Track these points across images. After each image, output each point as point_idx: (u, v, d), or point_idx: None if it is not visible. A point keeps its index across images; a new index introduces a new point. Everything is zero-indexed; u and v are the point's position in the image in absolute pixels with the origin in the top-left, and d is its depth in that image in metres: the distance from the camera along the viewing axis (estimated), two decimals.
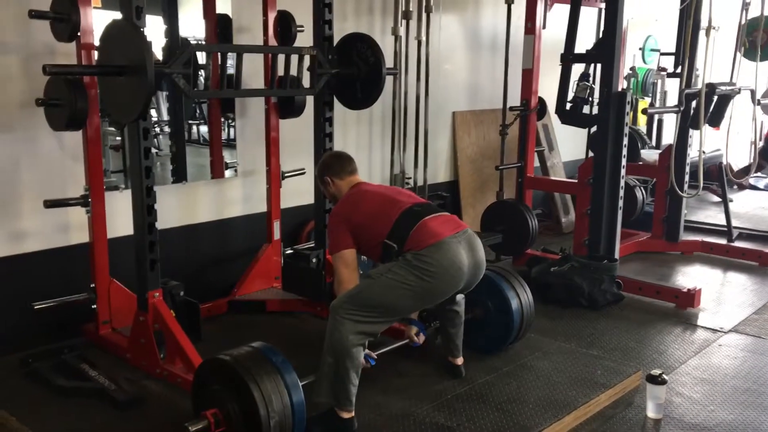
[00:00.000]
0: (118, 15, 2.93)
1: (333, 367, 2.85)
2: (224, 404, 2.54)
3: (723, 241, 5.97)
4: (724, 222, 6.25)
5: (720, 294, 4.92)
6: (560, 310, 4.42)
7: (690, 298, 4.51)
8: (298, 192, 4.48)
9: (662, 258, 5.72)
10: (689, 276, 5.31)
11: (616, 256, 4.78)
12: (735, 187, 8.39)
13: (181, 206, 4.27)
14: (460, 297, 3.29)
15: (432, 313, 3.44)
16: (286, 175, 4.30)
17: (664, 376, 3.11)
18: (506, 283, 3.58)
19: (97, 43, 3.16)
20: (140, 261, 3.27)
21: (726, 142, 5.81)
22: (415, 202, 3.12)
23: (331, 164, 3.32)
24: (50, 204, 3.38)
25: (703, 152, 5.41)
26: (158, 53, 4.10)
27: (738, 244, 5.92)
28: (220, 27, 4.30)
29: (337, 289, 3.08)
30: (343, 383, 2.83)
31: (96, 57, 3.24)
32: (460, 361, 3.41)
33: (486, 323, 3.58)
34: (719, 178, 6.58)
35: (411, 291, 2.86)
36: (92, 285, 3.58)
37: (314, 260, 4.02)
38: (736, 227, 6.23)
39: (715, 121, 5.57)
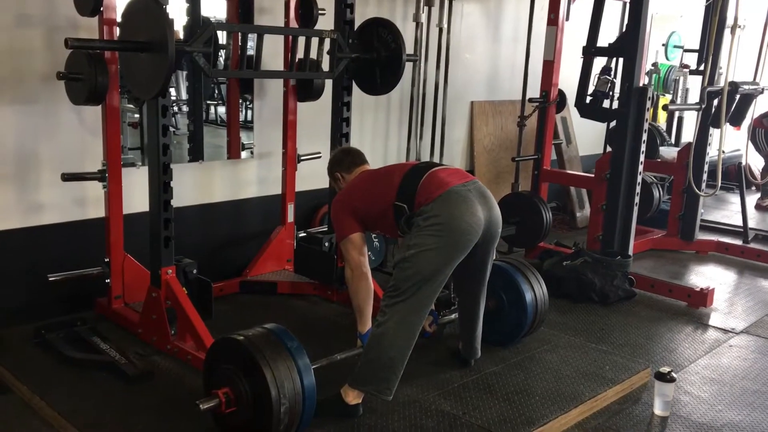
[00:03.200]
0: None
1: (386, 355, 2.84)
2: (236, 384, 2.55)
3: (739, 242, 5.92)
4: (740, 223, 6.20)
5: (733, 295, 4.89)
6: (571, 305, 4.41)
7: (703, 297, 4.48)
8: (313, 175, 4.48)
9: (676, 256, 5.68)
10: (703, 275, 5.28)
11: (630, 252, 4.76)
12: (753, 188, 8.31)
13: (196, 185, 4.29)
14: (481, 306, 3.29)
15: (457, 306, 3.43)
16: (302, 158, 4.30)
17: (673, 374, 3.10)
18: (521, 275, 3.56)
19: (119, 18, 3.17)
20: (155, 238, 3.29)
21: (746, 142, 5.74)
22: (418, 162, 3.10)
23: (341, 160, 3.35)
24: (68, 177, 3.41)
25: (723, 151, 5.37)
26: (180, 32, 4.11)
27: (754, 245, 5.87)
28: (241, 7, 4.29)
29: (349, 275, 3.09)
30: (394, 370, 2.84)
31: (118, 32, 3.27)
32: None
33: (499, 316, 3.56)
34: (738, 179, 6.51)
35: (436, 252, 2.80)
36: (106, 259, 3.61)
37: (326, 244, 4.03)
38: (752, 228, 6.18)
39: (736, 120, 5.51)
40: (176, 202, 3.31)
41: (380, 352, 2.83)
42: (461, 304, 3.35)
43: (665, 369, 3.11)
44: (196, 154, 4.40)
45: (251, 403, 2.53)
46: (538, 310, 3.57)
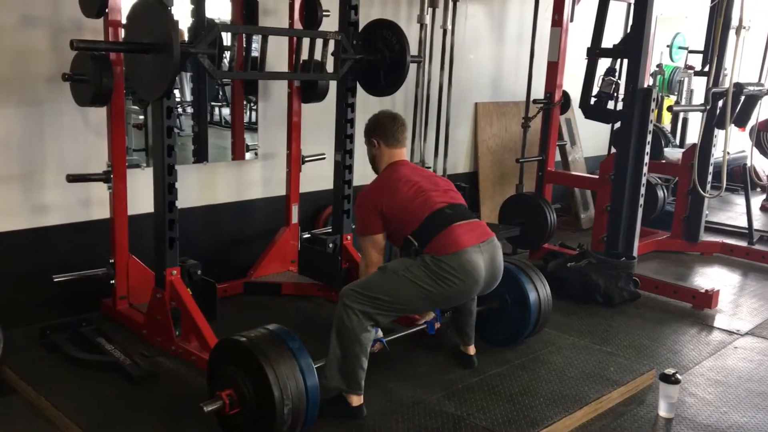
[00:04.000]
0: None
1: (342, 352, 2.86)
2: (239, 385, 2.56)
3: (743, 244, 5.90)
4: (745, 224, 6.18)
5: (738, 296, 4.87)
6: (575, 306, 4.41)
7: (707, 298, 4.47)
8: (318, 177, 4.49)
9: (681, 258, 5.67)
10: (707, 277, 5.26)
11: (635, 254, 4.75)
12: (758, 189, 8.29)
13: (201, 186, 4.30)
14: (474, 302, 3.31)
15: None
16: (306, 159, 4.31)
17: (678, 375, 3.09)
18: (525, 276, 3.56)
19: (124, 20, 3.18)
20: (159, 238, 3.30)
21: (751, 144, 5.73)
22: (448, 201, 3.06)
23: (385, 125, 3.22)
24: (73, 178, 3.42)
25: (728, 153, 5.35)
26: (185, 33, 4.12)
27: (758, 247, 5.85)
28: (246, 9, 4.30)
29: (363, 270, 3.07)
30: (353, 367, 2.84)
31: (123, 34, 3.27)
32: (472, 350, 3.41)
33: (503, 316, 3.56)
34: (743, 180, 6.50)
35: (425, 293, 2.87)
36: (111, 260, 3.62)
37: (331, 245, 4.03)
38: (757, 230, 6.16)
39: (741, 121, 5.50)
40: (181, 203, 3.32)
41: (342, 347, 2.86)
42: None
43: (670, 370, 3.10)
44: (201, 155, 4.41)
45: (255, 405, 2.53)
46: (541, 311, 3.56)
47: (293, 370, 2.54)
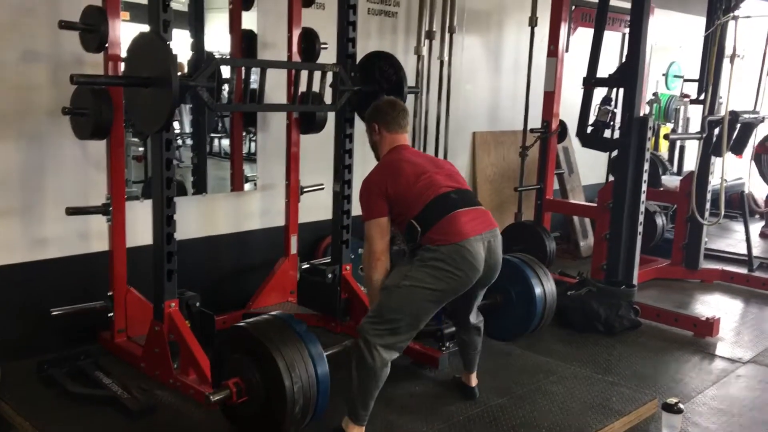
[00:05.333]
0: (145, 28, 2.98)
1: (356, 384, 2.82)
2: (247, 373, 2.48)
3: (744, 271, 5.89)
4: (745, 251, 6.18)
5: (739, 324, 4.85)
6: (576, 335, 4.38)
7: (709, 326, 4.45)
8: (316, 207, 4.50)
9: (681, 285, 5.65)
10: (708, 304, 5.24)
11: (635, 281, 4.74)
12: (757, 216, 8.30)
13: (200, 218, 4.30)
14: (475, 318, 3.28)
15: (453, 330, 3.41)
16: (305, 190, 4.32)
17: (681, 405, 3.07)
18: (530, 270, 3.51)
19: (124, 54, 3.21)
20: (158, 271, 3.29)
21: (749, 170, 5.76)
22: (454, 186, 3.01)
23: (385, 111, 3.18)
24: (72, 211, 3.42)
25: (726, 180, 5.37)
26: (185, 66, 4.16)
27: (759, 274, 5.84)
28: (245, 42, 4.35)
29: (366, 259, 3.00)
30: (364, 401, 2.82)
31: (123, 68, 3.30)
32: (474, 380, 3.38)
33: (507, 310, 3.48)
34: (741, 207, 6.51)
35: (431, 293, 2.83)
36: (110, 293, 3.61)
37: (330, 275, 4.03)
38: (757, 257, 6.16)
39: (738, 149, 5.53)
40: (179, 234, 3.32)
41: (360, 381, 2.82)
42: (460, 332, 3.36)
43: (672, 400, 3.08)
44: (200, 186, 4.42)
45: (263, 393, 2.45)
46: (546, 306, 3.50)
47: (304, 357, 2.48)
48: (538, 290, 3.42)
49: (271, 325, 2.53)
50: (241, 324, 2.55)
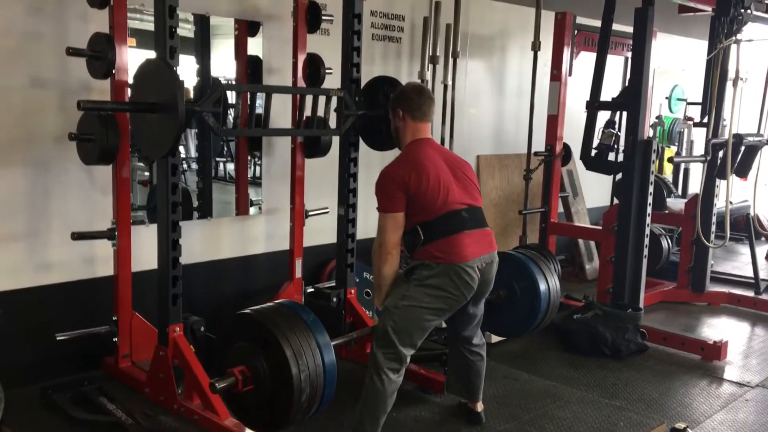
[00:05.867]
0: (152, 54, 3.01)
1: (364, 410, 2.87)
2: (253, 361, 2.45)
3: (750, 294, 5.86)
4: (751, 274, 6.15)
5: (747, 347, 4.81)
6: (583, 359, 4.35)
7: (716, 350, 4.41)
8: (321, 230, 4.50)
9: (688, 309, 5.62)
10: (715, 328, 5.21)
11: (641, 305, 4.71)
12: (763, 239, 8.26)
13: (205, 242, 4.30)
14: (479, 340, 3.27)
15: (452, 354, 3.41)
16: (309, 213, 4.32)
17: (689, 430, 3.04)
18: (535, 266, 3.48)
19: (131, 80, 3.24)
20: (163, 295, 3.28)
21: (753, 193, 5.75)
22: (468, 203, 3.02)
23: (411, 98, 3.11)
24: (77, 236, 3.43)
25: (731, 202, 5.36)
26: (191, 91, 4.19)
27: (766, 296, 5.80)
28: (250, 68, 4.39)
29: (377, 250, 2.98)
30: (373, 424, 2.86)
31: (129, 94, 3.33)
32: (480, 406, 3.35)
33: (510, 306, 3.45)
34: (747, 230, 6.49)
35: (428, 311, 2.91)
36: (114, 318, 3.60)
37: (334, 300, 4.02)
38: (764, 279, 6.12)
39: (742, 171, 5.52)
40: (184, 259, 3.32)
41: (368, 407, 2.87)
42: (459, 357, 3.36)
43: (681, 425, 3.05)
44: (205, 210, 4.43)
45: (269, 381, 2.41)
46: (551, 302, 3.47)
47: (311, 345, 2.45)
48: (542, 286, 3.39)
49: (278, 313, 2.50)
50: (247, 311, 2.52)
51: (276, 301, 2.62)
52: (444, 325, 3.27)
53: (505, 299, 3.42)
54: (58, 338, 3.48)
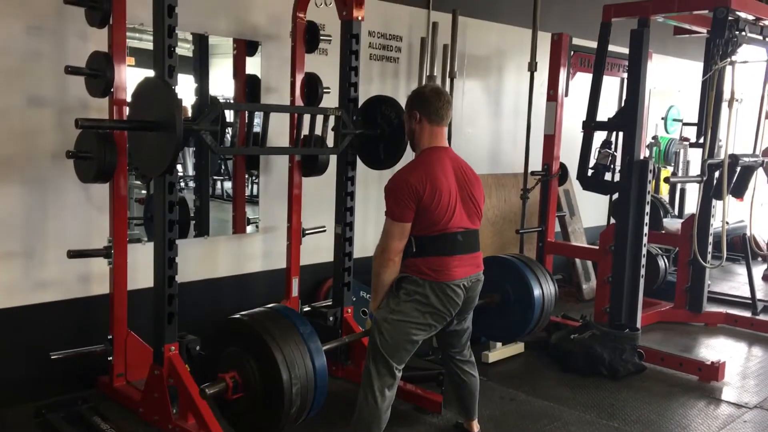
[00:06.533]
0: (150, 73, 3.03)
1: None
2: (244, 367, 2.43)
3: (748, 314, 5.85)
4: (748, 294, 6.14)
5: (745, 368, 4.80)
6: (580, 379, 4.33)
7: (714, 371, 4.40)
8: (318, 249, 4.49)
9: (685, 329, 5.61)
10: (713, 348, 5.19)
11: (638, 325, 4.70)
12: (759, 259, 8.27)
13: (201, 260, 4.29)
14: (468, 357, 3.28)
15: (447, 372, 3.40)
16: (306, 232, 4.32)
17: None
18: (529, 271, 3.47)
19: (129, 99, 3.25)
20: (158, 314, 3.27)
21: (750, 213, 5.76)
22: (465, 227, 3.00)
23: (429, 101, 3.03)
24: (74, 254, 3.42)
25: (727, 223, 5.37)
26: (188, 110, 4.20)
27: (763, 317, 5.79)
28: (249, 87, 4.40)
29: (378, 254, 2.98)
30: None
31: (127, 112, 3.34)
32: (476, 427, 3.34)
33: (504, 311, 3.44)
34: (743, 250, 6.49)
35: (416, 326, 2.95)
36: (110, 337, 3.59)
37: (331, 318, 4.00)
38: (760, 300, 6.12)
39: (738, 192, 5.54)
40: (181, 277, 3.31)
41: (363, 424, 2.90)
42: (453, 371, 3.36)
43: None
44: (202, 229, 4.43)
45: (261, 388, 2.40)
46: (544, 309, 3.46)
47: (302, 351, 2.44)
48: (536, 292, 3.38)
49: (268, 318, 2.50)
50: (238, 316, 2.51)
51: (267, 306, 2.62)
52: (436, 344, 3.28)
53: (499, 303, 3.41)
54: (53, 357, 3.46)
